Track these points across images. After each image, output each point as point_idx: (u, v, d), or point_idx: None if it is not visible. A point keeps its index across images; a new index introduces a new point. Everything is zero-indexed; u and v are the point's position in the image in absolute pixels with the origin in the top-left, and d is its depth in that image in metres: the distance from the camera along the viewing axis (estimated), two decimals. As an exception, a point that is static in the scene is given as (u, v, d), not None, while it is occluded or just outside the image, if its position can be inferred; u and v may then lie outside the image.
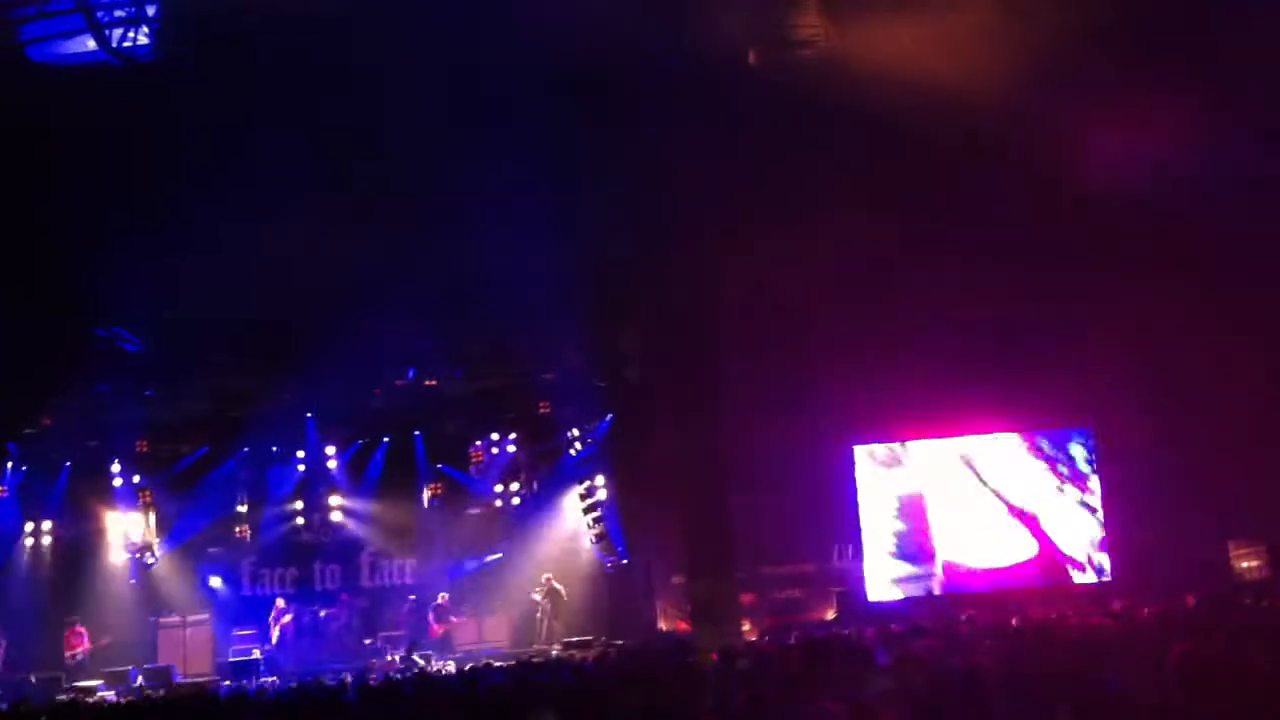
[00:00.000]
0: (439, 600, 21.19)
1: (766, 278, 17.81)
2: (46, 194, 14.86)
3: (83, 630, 20.48)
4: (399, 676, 15.91)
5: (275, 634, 20.88)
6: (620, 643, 19.41)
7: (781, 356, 19.29)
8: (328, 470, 22.14)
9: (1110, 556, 20.16)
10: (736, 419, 19.10)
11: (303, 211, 15.17)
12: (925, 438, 20.89)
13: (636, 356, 20.91)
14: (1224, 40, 14.62)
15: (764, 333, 19.09)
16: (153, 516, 21.95)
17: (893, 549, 20.68)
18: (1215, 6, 14.52)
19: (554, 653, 19.54)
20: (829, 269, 17.56)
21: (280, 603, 21.16)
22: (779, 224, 16.38)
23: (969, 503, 20.55)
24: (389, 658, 19.72)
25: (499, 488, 22.25)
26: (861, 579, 20.65)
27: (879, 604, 20.16)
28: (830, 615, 20.29)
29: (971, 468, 20.68)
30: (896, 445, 20.97)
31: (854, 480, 20.87)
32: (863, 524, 20.78)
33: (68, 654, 20.21)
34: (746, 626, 19.46)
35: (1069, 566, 20.24)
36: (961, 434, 20.80)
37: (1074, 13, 13.85)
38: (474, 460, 22.35)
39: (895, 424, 20.83)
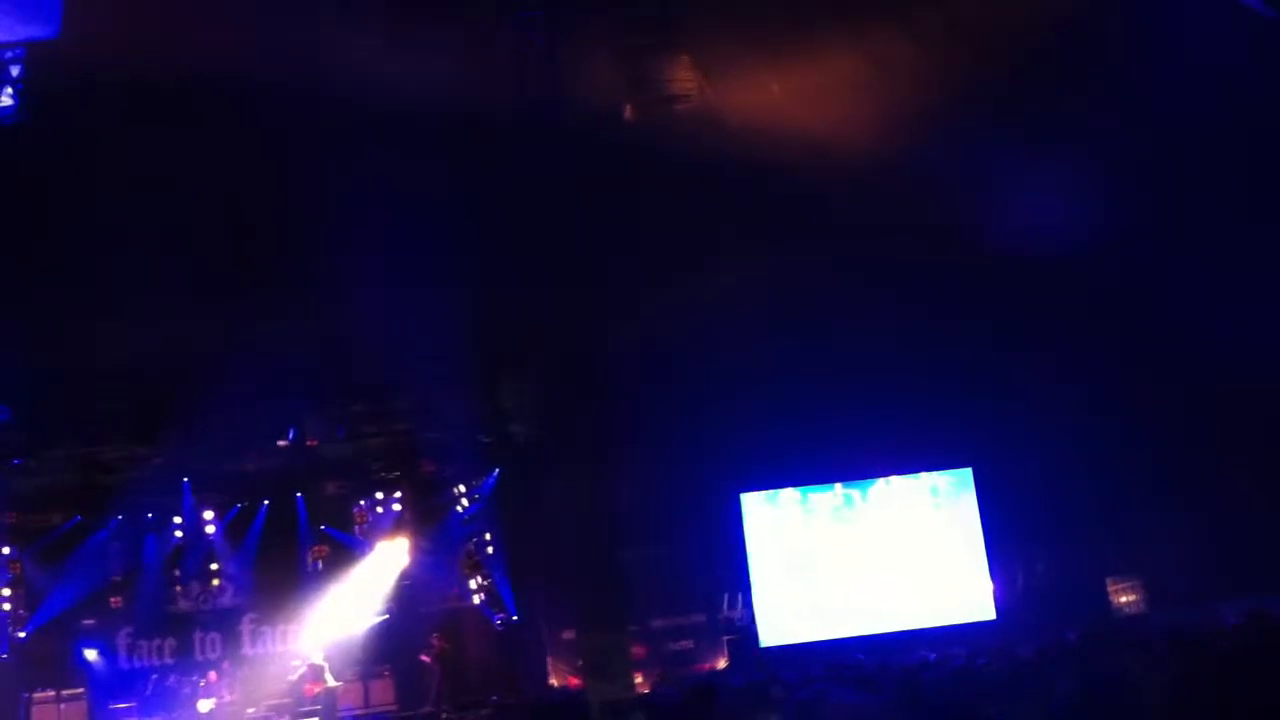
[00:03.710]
0: (311, 663, 20.75)
1: (652, 329, 17.89)
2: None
3: None
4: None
5: (203, 707, 20.13)
6: (511, 701, 19.21)
7: (668, 406, 19.34)
8: (206, 536, 21.60)
9: (993, 595, 20.51)
10: (625, 471, 19.04)
11: (173, 272, 14.90)
12: (812, 483, 21.10)
13: (521, 411, 20.82)
14: (1092, 96, 15.16)
15: (650, 383, 19.14)
16: (23, 589, 21.24)
17: (784, 595, 20.76)
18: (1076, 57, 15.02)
19: (443, 715, 19.27)
20: (714, 318, 17.74)
21: (213, 675, 20.48)
22: (664, 274, 16.51)
23: (859, 545, 20.77)
24: None
25: (384, 547, 21.89)
26: (753, 626, 20.70)
27: (772, 650, 20.20)
28: (723, 664, 20.31)
29: (859, 510, 20.93)
30: (784, 491, 21.13)
31: (743, 528, 20.96)
32: (752, 572, 20.86)
33: None
34: (639, 679, 19.35)
35: (955, 606, 20.51)
36: (848, 478, 21.04)
37: (940, 65, 14.25)
38: (358, 521, 22.04)
39: (782, 470, 21.01)
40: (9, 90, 12.95)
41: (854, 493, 21.07)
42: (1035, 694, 7.93)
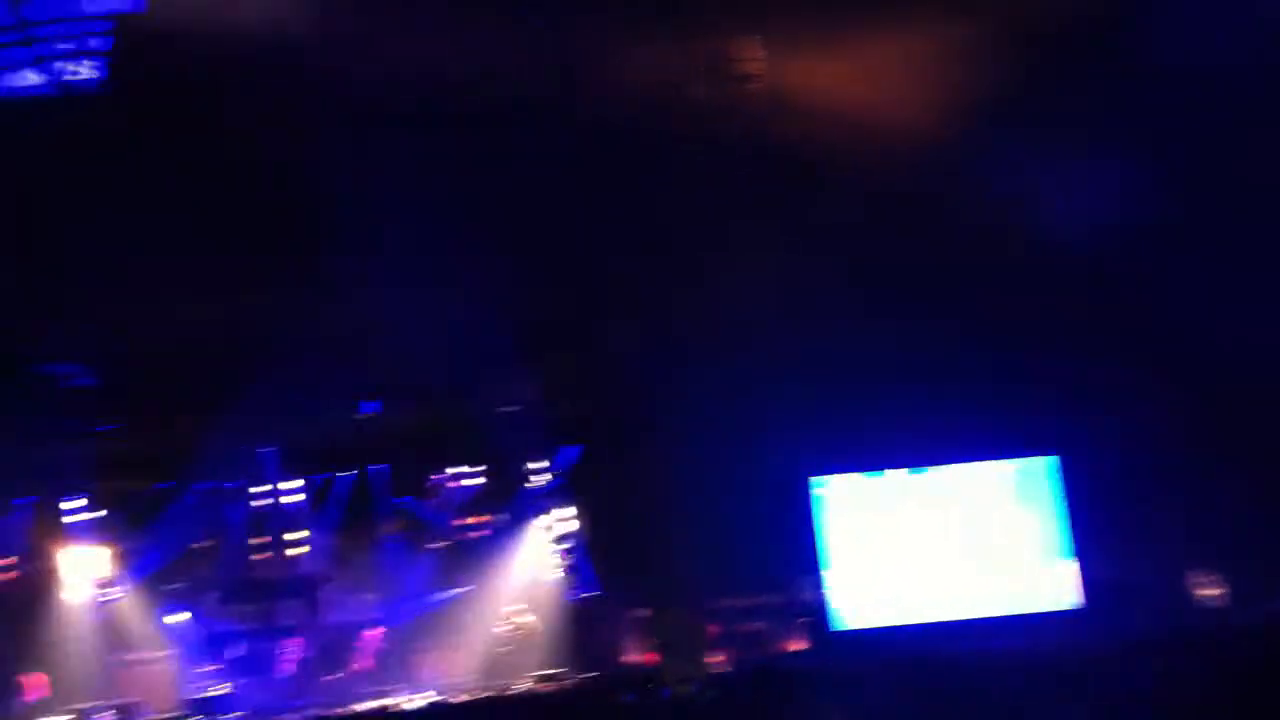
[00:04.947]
0: (373, 635, 21.08)
1: (729, 308, 17.79)
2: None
3: (33, 680, 20.22)
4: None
5: (281, 670, 20.64)
6: (589, 675, 19.33)
7: (746, 387, 19.23)
8: (287, 505, 21.99)
9: (1074, 585, 20.16)
10: (700, 450, 19.04)
11: (253, 247, 15.15)
12: (890, 466, 20.84)
13: (602, 388, 20.85)
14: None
15: (728, 363, 19.05)
16: (111, 554, 21.78)
17: (860, 579, 20.56)
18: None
19: (522, 686, 19.45)
20: (793, 297, 17.58)
21: (285, 641, 20.94)
22: (739, 252, 16.40)
23: (937, 530, 20.49)
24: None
25: (462, 521, 22.13)
26: (829, 609, 20.53)
27: (848, 634, 20.05)
28: (798, 646, 20.21)
29: (939, 494, 20.65)
30: (862, 474, 20.90)
31: (817, 510, 20.78)
32: (829, 555, 20.68)
33: (21, 701, 19.95)
34: (713, 658, 19.37)
35: (1034, 595, 20.20)
36: (928, 462, 20.77)
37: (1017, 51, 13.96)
38: (435, 494, 22.29)
39: (860, 452, 20.78)
40: (94, 62, 13.16)
41: (934, 477, 20.73)
42: (1113, 686, 7.79)
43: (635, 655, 20.88)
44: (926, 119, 14.07)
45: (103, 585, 21.55)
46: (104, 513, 21.59)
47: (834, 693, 8.85)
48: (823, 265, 16.60)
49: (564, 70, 13.51)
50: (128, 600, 21.67)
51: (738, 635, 20.52)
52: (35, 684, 20.14)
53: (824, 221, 15.93)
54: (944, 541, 20.40)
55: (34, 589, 21.54)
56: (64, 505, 21.37)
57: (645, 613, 20.50)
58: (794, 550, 20.69)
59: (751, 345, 18.13)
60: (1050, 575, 20.16)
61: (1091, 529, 20.14)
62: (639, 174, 15.02)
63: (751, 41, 13.91)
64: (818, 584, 20.54)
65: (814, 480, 20.66)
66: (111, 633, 21.42)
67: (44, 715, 19.26)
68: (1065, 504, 20.31)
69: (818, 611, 20.35)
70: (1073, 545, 20.16)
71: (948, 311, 18.14)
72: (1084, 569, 20.09)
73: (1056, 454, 20.56)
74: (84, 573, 21.58)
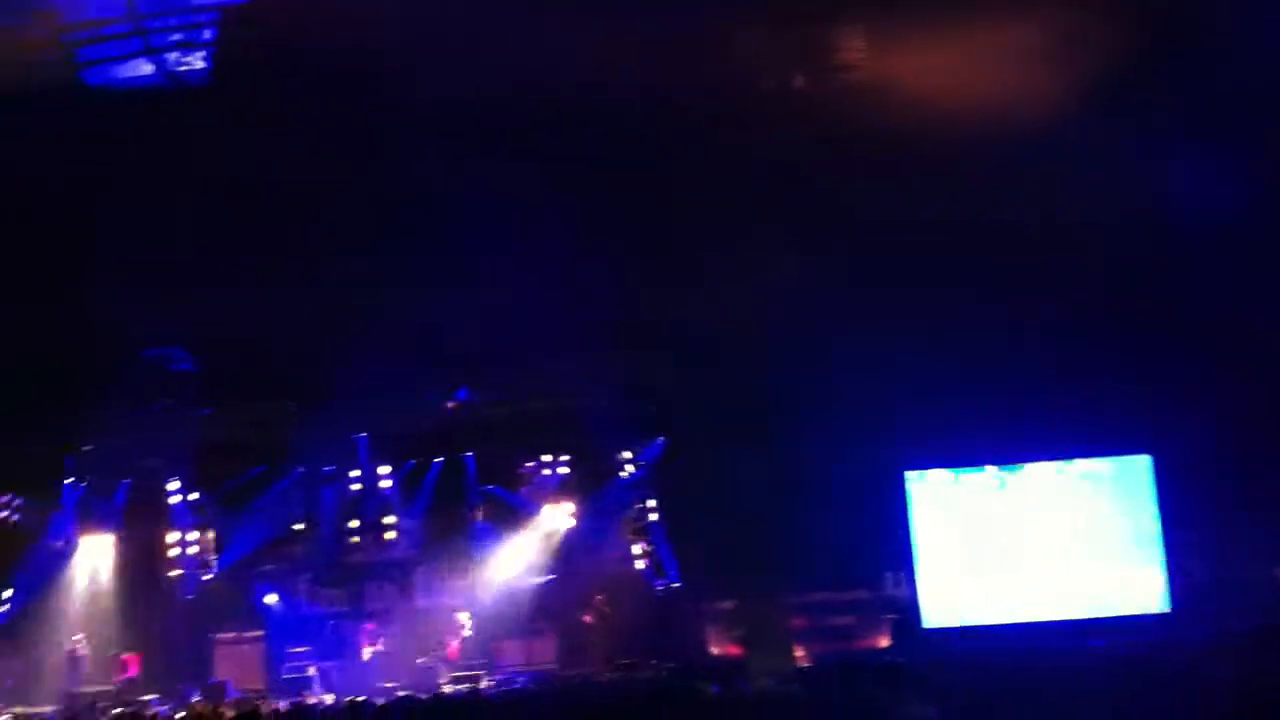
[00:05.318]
0: (457, 619, 21.31)
1: (822, 304, 17.71)
2: (104, 215, 15.12)
3: (131, 660, 20.77)
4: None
5: (367, 653, 21.06)
6: (671, 665, 19.39)
7: (838, 383, 19.12)
8: (380, 490, 22.34)
9: (1165, 587, 19.82)
10: (791, 445, 19.00)
11: (349, 240, 15.40)
12: (983, 464, 20.64)
13: (688, 380, 20.88)
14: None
15: (819, 359, 18.97)
16: (210, 534, 22.30)
17: (949, 577, 20.39)
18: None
19: (603, 676, 19.56)
20: (885, 294, 17.45)
21: (374, 624, 21.33)
22: (831, 249, 16.33)
23: (1028, 528, 20.26)
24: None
25: (549, 509, 22.32)
26: (917, 606, 20.39)
27: (935, 631, 19.90)
28: (884, 642, 20.11)
29: (1030, 493, 20.41)
30: (954, 470, 20.72)
31: (909, 507, 20.64)
32: (918, 551, 20.53)
33: (116, 678, 20.51)
34: (798, 652, 19.35)
35: (1124, 596, 19.90)
36: (1022, 459, 20.53)
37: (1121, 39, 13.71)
38: (524, 482, 22.50)
39: (953, 449, 20.60)
40: (201, 53, 13.43)
41: (1027, 475, 20.52)
42: (1203, 688, 7.69)
43: (718, 647, 20.93)
44: (1022, 111, 13.89)
45: (198, 566, 22.05)
46: (202, 495, 22.10)
47: (919, 691, 8.79)
48: (917, 260, 16.47)
49: (660, 63, 13.54)
50: (222, 581, 22.16)
51: (823, 630, 20.50)
52: (130, 662, 20.68)
53: (918, 216, 15.79)
54: (1035, 540, 20.18)
55: (133, 569, 22.11)
56: (165, 487, 21.91)
57: (730, 605, 20.51)
58: (883, 545, 20.60)
59: (845, 340, 18.03)
60: (1141, 576, 19.87)
61: (1183, 528, 19.80)
62: (729, 167, 15.02)
63: (850, 30, 13.83)
64: (906, 580, 20.43)
65: (907, 475, 20.57)
66: (205, 612, 21.91)
67: (137, 693, 19.73)
68: (1157, 503, 20.00)
69: (905, 608, 20.25)
70: (1164, 545, 19.85)
71: (1044, 308, 17.92)
72: (1174, 569, 19.76)
73: (1150, 453, 20.25)
74: (181, 553, 22.12)
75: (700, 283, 17.24)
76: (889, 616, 20.42)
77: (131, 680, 20.54)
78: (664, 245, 16.46)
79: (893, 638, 20.00)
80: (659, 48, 13.34)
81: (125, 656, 20.87)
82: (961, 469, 20.50)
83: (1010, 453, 20.34)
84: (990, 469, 20.39)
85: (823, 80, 14.12)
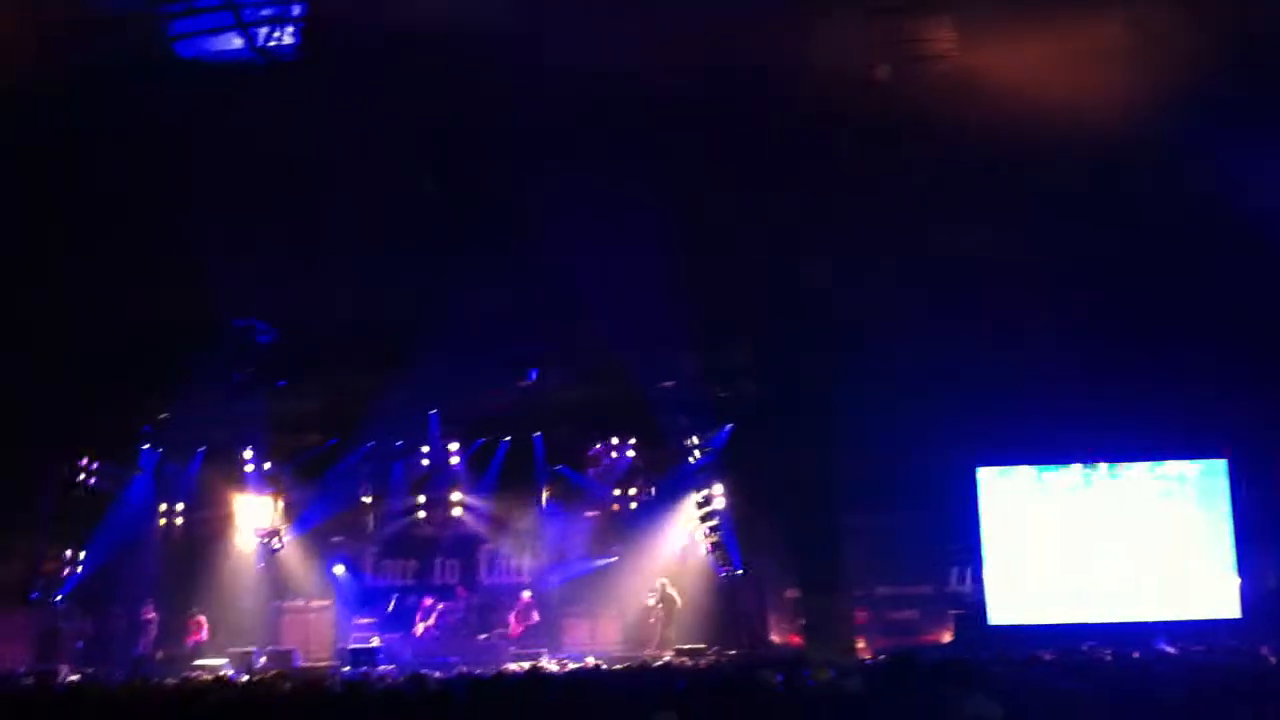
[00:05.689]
0: (523, 599, 21.43)
1: (897, 297, 17.55)
2: (193, 187, 15.32)
3: (203, 621, 21.15)
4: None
5: (420, 629, 21.30)
6: (732, 652, 19.42)
7: (908, 374, 18.98)
8: (450, 466, 22.55)
9: (1240, 593, 19.50)
10: (861, 437, 18.88)
11: (435, 217, 15.52)
12: (1054, 462, 20.41)
13: (756, 368, 20.83)
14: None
15: (893, 351, 18.83)
16: (281, 503, 22.64)
17: (1016, 574, 20.20)
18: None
19: (665, 659, 19.62)
20: (960, 288, 17.27)
21: (428, 600, 21.54)
22: (907, 239, 16.17)
23: (1099, 529, 20.02)
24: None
25: (616, 492, 22.42)
26: (982, 604, 20.21)
27: (1000, 629, 19.72)
28: (947, 638, 19.99)
29: (1102, 496, 20.15)
30: (1024, 468, 20.51)
31: (977, 503, 20.46)
32: (985, 548, 20.35)
33: (187, 640, 20.89)
34: (860, 644, 19.28)
35: (1196, 600, 19.59)
36: (1093, 459, 20.28)
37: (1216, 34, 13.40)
38: (592, 464, 22.61)
39: (1023, 446, 20.39)
40: (291, 28, 13.52)
41: (1098, 475, 20.28)
42: (1274, 694, 7.55)
43: (780, 636, 20.91)
44: (1112, 110, 13.64)
45: (269, 534, 22.40)
46: (275, 465, 22.44)
47: (981, 689, 8.70)
48: (1000, 255, 16.26)
49: (748, 54, 13.46)
50: (292, 550, 22.49)
51: (886, 623, 20.41)
52: (196, 632, 21.06)
53: (1001, 211, 15.59)
54: (1114, 540, 19.92)
55: (206, 535, 22.50)
56: (239, 456, 22.28)
57: (793, 594, 20.47)
58: (950, 541, 20.46)
59: (923, 333, 17.87)
60: (1215, 581, 19.57)
61: (1259, 534, 19.47)
62: (807, 159, 14.91)
63: (939, 21, 13.64)
64: (974, 577, 20.27)
65: (979, 471, 20.38)
66: (274, 580, 22.25)
67: (205, 657, 20.09)
68: (1233, 508, 19.68)
69: (972, 604, 20.10)
70: (1238, 551, 19.53)
71: (1127, 307, 17.63)
72: (1249, 575, 19.44)
73: (1227, 457, 19.92)
74: (253, 521, 22.49)
75: (775, 273, 17.17)
76: (954, 612, 20.29)
77: (199, 643, 20.93)
78: (741, 236, 16.39)
79: (956, 634, 19.87)
80: (741, 35, 13.26)
81: (197, 618, 21.26)
82: (1046, 466, 20.29)
83: (1090, 452, 20.10)
84: (1076, 467, 20.18)
85: (910, 71, 13.93)
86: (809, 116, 14.27)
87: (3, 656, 19.86)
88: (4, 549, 20.27)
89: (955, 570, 20.67)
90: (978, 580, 20.33)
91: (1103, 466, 20.20)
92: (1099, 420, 19.28)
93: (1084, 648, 15.93)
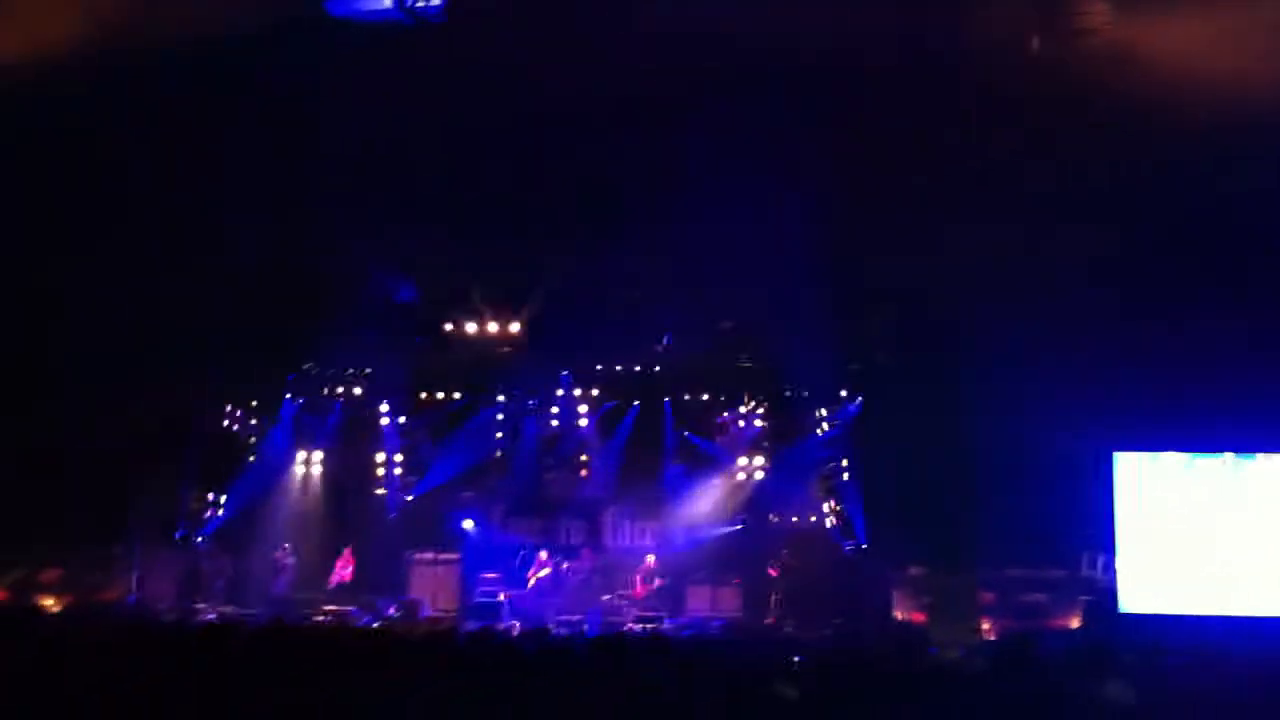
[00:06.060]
0: (647, 562, 21.52)
1: (1039, 275, 17.15)
2: (337, 145, 15.65)
3: (351, 559, 21.67)
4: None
5: (531, 582, 21.59)
6: (853, 627, 19.30)
7: (1045, 355, 18.57)
8: (579, 427, 22.75)
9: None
10: (991, 414, 18.56)
11: (577, 185, 15.62)
12: (1197, 450, 19.78)
13: (891, 344, 20.60)
14: None
15: (1026, 329, 18.43)
16: (414, 457, 23.10)
17: (1150, 563, 19.66)
18: None
19: (785, 630, 19.62)
20: (1099, 269, 16.82)
21: (543, 555, 21.83)
22: (1042, 216, 15.80)
23: (1241, 520, 19.36)
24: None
25: (743, 460, 22.38)
26: (1113, 590, 19.73)
27: (1131, 617, 19.24)
28: (1075, 623, 19.59)
29: (1247, 484, 19.48)
30: (1165, 454, 19.89)
31: (1113, 489, 19.93)
32: (1119, 534, 19.84)
33: (332, 578, 21.44)
34: (985, 625, 19.01)
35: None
36: (1238, 448, 19.60)
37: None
38: (720, 432, 22.61)
39: (1163, 432, 19.79)
40: None
41: (1244, 465, 19.59)
42: None
43: (902, 613, 20.71)
44: (1267, 89, 13.13)
45: (401, 487, 22.89)
46: (410, 419, 22.91)
47: (1105, 677, 8.50)
48: (1151, 238, 15.79)
49: (904, 27, 13.25)
50: (423, 502, 22.94)
51: (1012, 606, 20.06)
52: (343, 567, 21.59)
53: (1150, 189, 15.12)
54: (1252, 533, 19.28)
55: (341, 484, 23.06)
56: (376, 409, 22.80)
57: (918, 571, 20.25)
58: (1084, 525, 19.97)
59: (1061, 312, 17.46)
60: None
61: None
62: (953, 135, 14.65)
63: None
64: (1105, 563, 19.80)
65: (1116, 456, 19.84)
66: (405, 531, 22.72)
67: (344, 600, 20.61)
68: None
69: (1101, 591, 19.64)
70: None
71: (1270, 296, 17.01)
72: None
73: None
74: (386, 473, 23.00)
75: (915, 250, 16.93)
76: (1083, 598, 19.87)
77: (344, 582, 21.47)
78: (885, 207, 16.17)
79: (1085, 620, 19.46)
80: (898, 7, 13.07)
81: (345, 554, 21.78)
82: (1197, 453, 19.69)
83: (1245, 440, 19.42)
84: (1228, 455, 19.54)
85: (1063, 46, 13.59)
86: (964, 88, 14.01)
87: (149, 592, 20.69)
88: (153, 490, 21.04)
89: (1087, 555, 20.22)
90: (1109, 567, 19.86)
91: (1249, 456, 19.52)
92: (1253, 406, 18.64)
93: (1219, 640, 15.49)
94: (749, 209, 16.15)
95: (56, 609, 19.33)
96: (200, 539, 21.70)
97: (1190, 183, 15.19)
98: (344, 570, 21.54)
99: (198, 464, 21.77)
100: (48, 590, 20.00)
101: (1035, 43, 13.63)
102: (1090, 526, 19.95)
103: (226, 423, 22.10)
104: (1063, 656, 9.17)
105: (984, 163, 14.97)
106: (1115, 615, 19.17)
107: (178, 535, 21.41)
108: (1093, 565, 20.13)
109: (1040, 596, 20.31)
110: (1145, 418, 19.33)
